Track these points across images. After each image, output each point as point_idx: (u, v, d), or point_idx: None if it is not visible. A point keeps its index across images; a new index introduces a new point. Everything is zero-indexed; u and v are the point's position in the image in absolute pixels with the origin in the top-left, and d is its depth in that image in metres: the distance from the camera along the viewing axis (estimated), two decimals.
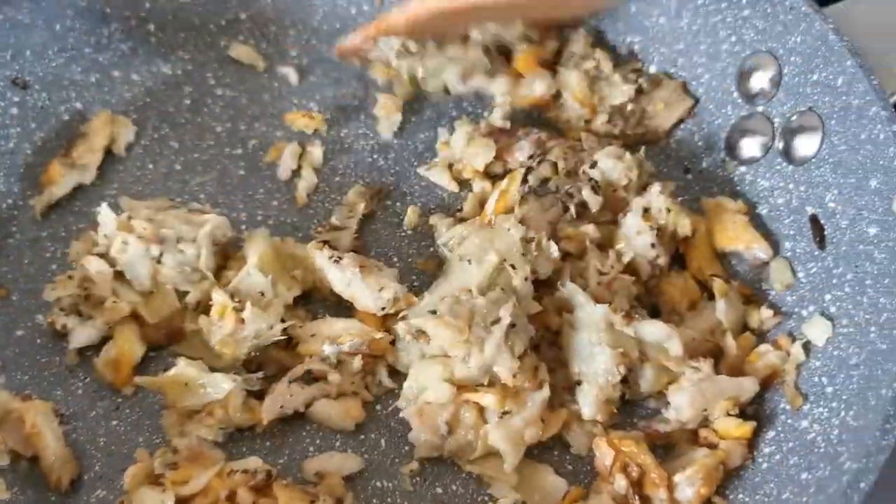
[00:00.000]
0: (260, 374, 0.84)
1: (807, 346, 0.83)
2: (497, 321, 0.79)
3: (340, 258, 0.88)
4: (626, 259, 0.88)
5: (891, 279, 0.76)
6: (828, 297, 0.83)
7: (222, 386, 0.82)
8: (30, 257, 0.94)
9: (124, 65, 1.07)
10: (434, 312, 0.81)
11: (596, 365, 0.81)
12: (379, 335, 0.85)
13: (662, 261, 0.89)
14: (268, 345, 0.85)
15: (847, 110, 0.85)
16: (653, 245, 0.88)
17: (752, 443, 0.80)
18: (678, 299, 0.90)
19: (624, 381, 0.82)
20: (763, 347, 0.85)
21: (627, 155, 0.92)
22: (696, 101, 1.01)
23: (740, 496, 0.77)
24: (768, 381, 0.83)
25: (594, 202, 0.90)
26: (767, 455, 0.78)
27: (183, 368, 0.82)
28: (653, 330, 0.82)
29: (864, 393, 0.72)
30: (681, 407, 0.81)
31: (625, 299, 0.86)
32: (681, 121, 1.02)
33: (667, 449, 0.83)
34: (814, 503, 0.66)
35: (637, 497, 0.77)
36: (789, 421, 0.79)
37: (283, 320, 0.86)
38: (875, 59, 0.86)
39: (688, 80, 1.02)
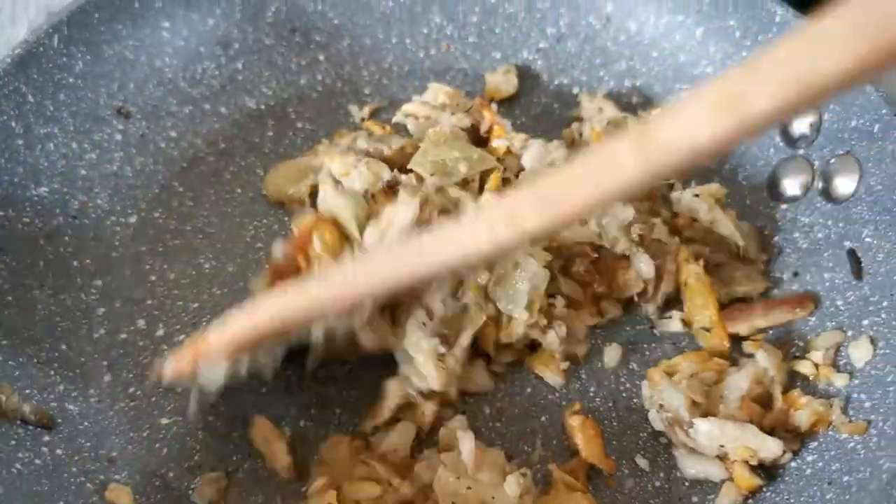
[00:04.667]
0: None
1: (851, 372, 0.89)
2: None
3: None
4: None
5: None
6: (865, 322, 0.90)
7: None
8: (131, 268, 1.02)
9: (214, 99, 1.16)
10: None
11: None
12: None
13: None
14: None
15: (882, 154, 0.93)
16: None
17: (798, 450, 0.87)
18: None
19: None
20: (806, 398, 0.89)
21: None
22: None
23: (786, 497, 0.83)
24: (814, 429, 0.87)
25: None
26: (811, 462, 0.84)
27: None
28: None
29: None
30: (701, 431, 0.86)
31: None
32: None
33: None
34: (856, 500, 0.73)
35: None
36: (830, 432, 0.86)
37: None
38: None
39: None
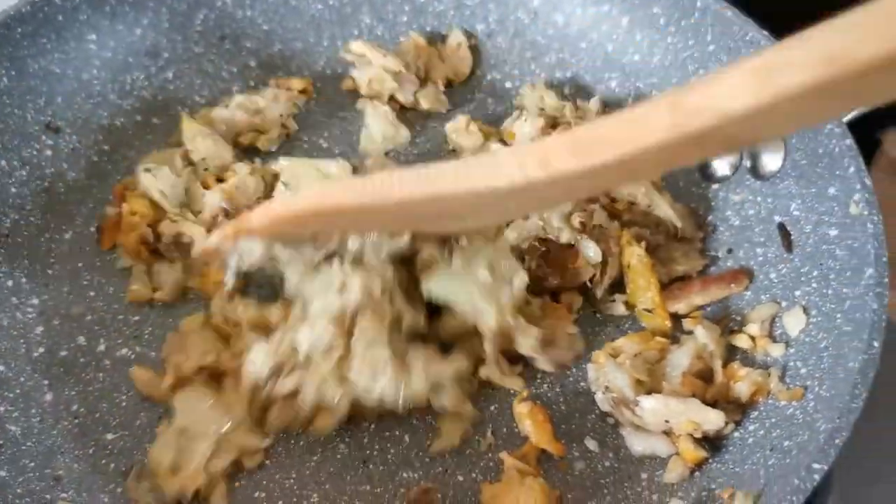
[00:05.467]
0: None
1: (786, 341, 0.92)
2: None
3: None
4: None
5: (851, 272, 0.86)
6: (797, 293, 0.93)
7: None
8: (68, 285, 1.01)
9: (146, 110, 1.15)
10: None
11: None
12: None
13: None
14: None
15: (805, 129, 0.96)
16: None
17: (740, 421, 0.89)
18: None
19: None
20: (745, 370, 0.91)
21: None
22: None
23: (731, 467, 0.85)
24: (753, 399, 0.89)
25: None
26: (753, 431, 0.86)
27: None
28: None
29: (833, 369, 0.82)
30: (646, 408, 0.88)
31: None
32: None
33: None
34: (797, 463, 0.75)
35: None
36: (770, 401, 0.88)
37: None
38: None
39: None
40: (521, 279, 0.90)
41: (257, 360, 0.86)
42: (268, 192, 1.06)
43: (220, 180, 1.06)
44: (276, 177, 1.08)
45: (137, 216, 1.01)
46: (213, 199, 1.03)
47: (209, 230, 1.01)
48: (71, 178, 1.08)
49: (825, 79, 0.51)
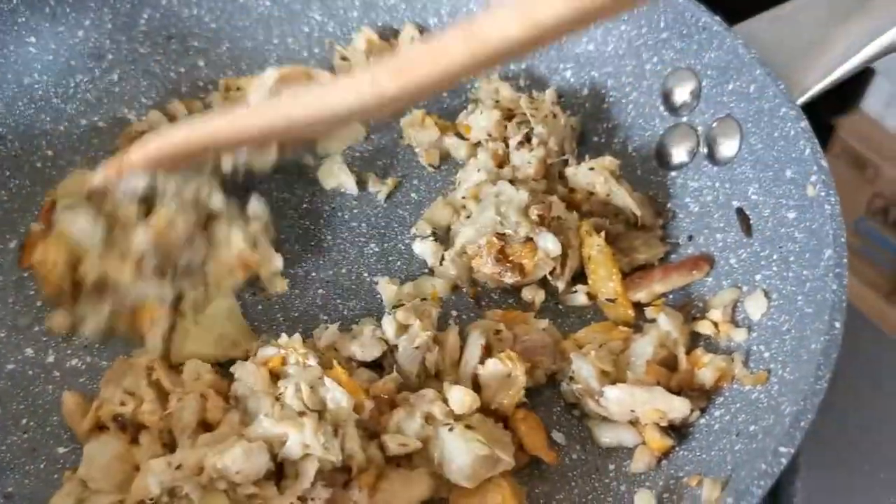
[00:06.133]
0: None
1: (749, 326, 0.92)
2: None
3: None
4: None
5: (811, 254, 0.86)
6: (758, 277, 0.93)
7: None
8: (14, 295, 0.98)
9: (91, 113, 1.12)
10: None
11: None
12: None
13: None
14: None
15: (760, 113, 0.96)
16: None
17: (705, 407, 0.88)
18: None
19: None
20: (709, 356, 0.90)
21: None
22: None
23: (698, 454, 0.85)
24: (718, 385, 0.88)
25: None
26: (718, 417, 0.86)
27: None
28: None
29: (796, 351, 0.82)
30: (612, 398, 0.87)
31: None
32: None
33: None
34: (763, 447, 0.75)
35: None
36: (735, 386, 0.87)
37: None
38: (776, 69, 0.97)
39: (617, 98, 1.12)
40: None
41: (152, 475, 0.77)
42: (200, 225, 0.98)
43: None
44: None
45: (51, 264, 0.93)
46: (139, 241, 0.92)
47: (137, 271, 0.92)
48: (14, 186, 1.05)
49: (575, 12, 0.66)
